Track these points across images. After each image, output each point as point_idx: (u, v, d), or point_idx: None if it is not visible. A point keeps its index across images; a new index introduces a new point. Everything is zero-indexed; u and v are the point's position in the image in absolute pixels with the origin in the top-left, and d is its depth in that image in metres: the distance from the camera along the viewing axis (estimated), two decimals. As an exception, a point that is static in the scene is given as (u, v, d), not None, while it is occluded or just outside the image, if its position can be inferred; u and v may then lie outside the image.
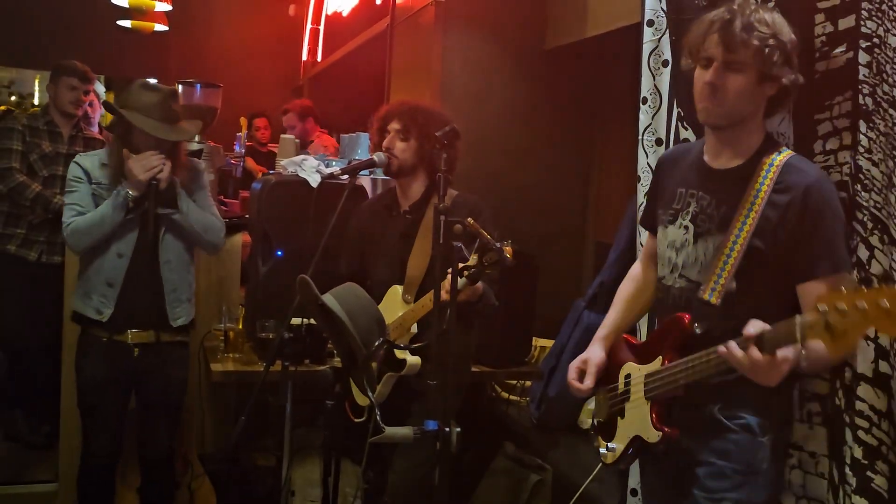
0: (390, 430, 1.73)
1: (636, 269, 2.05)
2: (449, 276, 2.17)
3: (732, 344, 1.49)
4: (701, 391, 1.68)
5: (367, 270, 2.60)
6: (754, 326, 1.47)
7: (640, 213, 2.33)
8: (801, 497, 1.78)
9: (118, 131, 2.55)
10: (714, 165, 1.75)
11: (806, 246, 1.59)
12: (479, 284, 1.83)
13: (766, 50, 1.58)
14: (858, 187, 1.64)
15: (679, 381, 1.66)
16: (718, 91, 1.63)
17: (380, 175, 3.35)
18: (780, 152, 1.66)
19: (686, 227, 1.76)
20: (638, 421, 1.76)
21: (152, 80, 2.66)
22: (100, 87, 6.25)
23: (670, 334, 1.74)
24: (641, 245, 2.32)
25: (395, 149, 2.46)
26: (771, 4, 1.89)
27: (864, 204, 1.63)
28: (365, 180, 3.34)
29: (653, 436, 1.71)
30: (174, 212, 2.53)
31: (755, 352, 1.44)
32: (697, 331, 1.67)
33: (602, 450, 1.86)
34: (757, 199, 1.62)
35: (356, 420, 2.40)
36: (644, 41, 2.31)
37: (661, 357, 1.74)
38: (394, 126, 2.48)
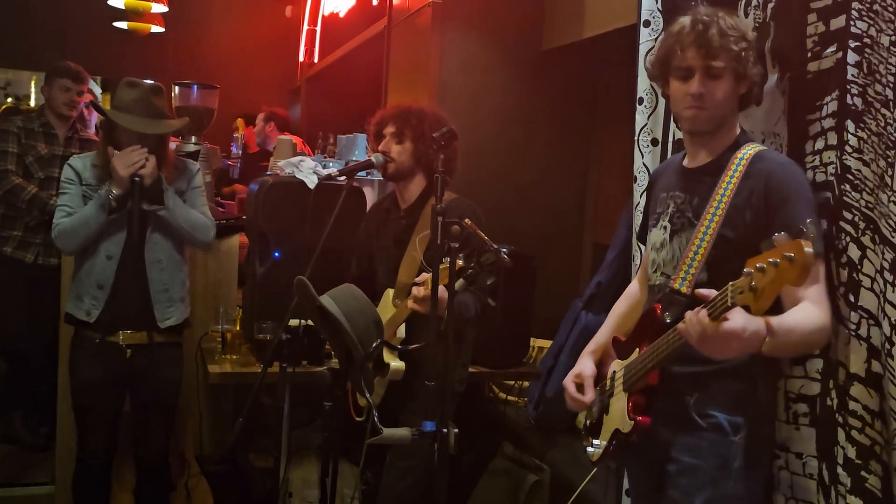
0: (388, 432, 1.73)
1: (632, 287, 2.08)
2: (418, 281, 2.19)
3: (688, 314, 1.48)
4: (677, 384, 1.70)
5: (373, 270, 2.61)
6: (706, 292, 1.46)
7: (635, 218, 2.34)
8: (790, 498, 1.79)
9: (105, 130, 2.56)
10: (690, 166, 1.80)
11: (770, 227, 1.59)
12: (443, 294, 1.82)
13: (743, 53, 1.64)
14: (847, 187, 1.64)
15: (648, 365, 1.68)
16: (705, 99, 1.67)
17: (377, 176, 3.35)
18: (752, 147, 1.70)
19: (665, 227, 1.80)
20: (618, 414, 1.78)
21: (146, 80, 2.66)
22: (96, 89, 6.24)
23: (646, 325, 1.76)
24: (638, 246, 2.33)
25: (390, 152, 2.46)
26: (772, 5, 1.89)
27: (855, 204, 1.63)
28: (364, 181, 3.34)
29: (626, 425, 1.72)
30: (159, 208, 2.52)
31: (703, 316, 1.42)
32: (667, 319, 1.68)
33: (589, 448, 1.88)
34: (727, 191, 1.65)
35: (358, 419, 2.41)
36: (640, 42, 2.31)
37: (637, 349, 1.76)
38: (389, 130, 2.48)
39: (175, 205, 2.55)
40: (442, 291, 1.81)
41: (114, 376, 2.58)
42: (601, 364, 1.96)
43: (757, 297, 1.31)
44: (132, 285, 2.54)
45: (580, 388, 1.93)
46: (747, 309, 1.36)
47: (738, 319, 1.40)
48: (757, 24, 1.93)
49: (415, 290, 2.21)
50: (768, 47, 1.88)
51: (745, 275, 1.33)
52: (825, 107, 1.72)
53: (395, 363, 2.32)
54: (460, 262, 1.93)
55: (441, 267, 1.84)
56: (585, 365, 1.96)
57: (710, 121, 1.71)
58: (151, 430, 2.72)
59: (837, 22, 1.68)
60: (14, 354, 3.80)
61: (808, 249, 1.25)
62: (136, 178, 2.42)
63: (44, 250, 3.62)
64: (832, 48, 1.69)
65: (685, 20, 1.69)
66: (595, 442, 1.86)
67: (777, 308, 1.57)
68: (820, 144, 1.73)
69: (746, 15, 1.97)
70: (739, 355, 1.48)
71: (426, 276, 2.18)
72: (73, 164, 2.58)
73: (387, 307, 2.45)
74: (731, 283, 1.38)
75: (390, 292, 2.47)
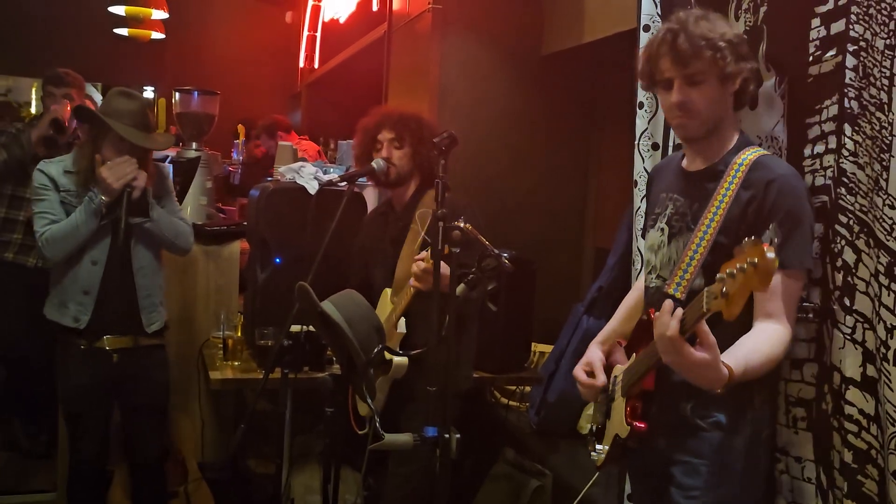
0: (390, 437, 1.72)
1: (642, 281, 2.07)
2: (418, 258, 2.19)
3: (664, 310, 1.48)
4: (673, 392, 1.69)
5: (370, 277, 2.61)
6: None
7: (636, 222, 2.34)
8: (791, 502, 1.79)
9: (90, 137, 2.53)
10: (690, 168, 1.79)
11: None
12: (444, 270, 1.77)
13: (718, 54, 1.61)
14: (843, 191, 1.64)
15: (641, 369, 1.68)
16: (688, 107, 1.67)
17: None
18: (752, 151, 1.68)
19: (662, 229, 1.79)
20: (618, 419, 1.78)
21: (148, 89, 2.67)
22: (97, 95, 6.25)
23: (641, 330, 1.76)
24: (639, 251, 2.33)
25: (392, 158, 2.46)
26: (764, 9, 1.90)
27: (850, 207, 1.63)
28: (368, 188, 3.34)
29: (624, 431, 1.73)
30: (146, 220, 2.52)
31: (674, 322, 1.44)
32: None
33: (593, 453, 1.88)
34: (725, 197, 1.64)
35: (360, 432, 2.39)
36: (640, 46, 2.31)
37: (634, 353, 1.77)
38: (386, 135, 2.47)
39: (160, 216, 2.56)
40: (443, 268, 1.79)
41: (101, 381, 2.58)
42: (610, 355, 1.94)
43: (728, 302, 1.32)
44: (118, 291, 2.55)
45: (591, 375, 1.91)
46: (720, 315, 1.36)
47: (701, 354, 1.43)
48: (748, 28, 1.94)
49: (415, 266, 2.20)
50: (762, 51, 1.89)
51: (718, 280, 1.33)
52: (825, 110, 1.72)
53: (398, 358, 2.30)
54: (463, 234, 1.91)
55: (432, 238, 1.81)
56: (594, 353, 1.94)
57: (699, 128, 1.70)
58: (145, 434, 2.72)
59: (837, 26, 1.69)
60: (14, 361, 3.80)
61: (770, 255, 1.25)
62: (127, 190, 2.42)
63: (45, 253, 3.61)
64: (832, 52, 1.70)
65: (660, 30, 1.69)
66: (598, 447, 1.86)
67: (747, 317, 1.58)
68: (820, 148, 1.73)
69: (737, 18, 1.97)
70: (693, 382, 1.51)
71: (426, 253, 2.17)
72: (45, 169, 2.52)
73: (385, 306, 2.46)
74: (706, 287, 1.38)
75: (388, 291, 2.48)
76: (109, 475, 2.88)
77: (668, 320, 1.45)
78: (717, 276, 1.33)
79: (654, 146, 2.32)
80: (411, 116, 2.50)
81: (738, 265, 1.29)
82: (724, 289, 1.31)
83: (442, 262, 1.79)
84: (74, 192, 2.50)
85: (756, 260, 1.26)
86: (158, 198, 2.61)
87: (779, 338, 1.57)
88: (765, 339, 1.57)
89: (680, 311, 1.45)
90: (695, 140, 1.74)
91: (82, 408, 2.61)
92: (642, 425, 1.70)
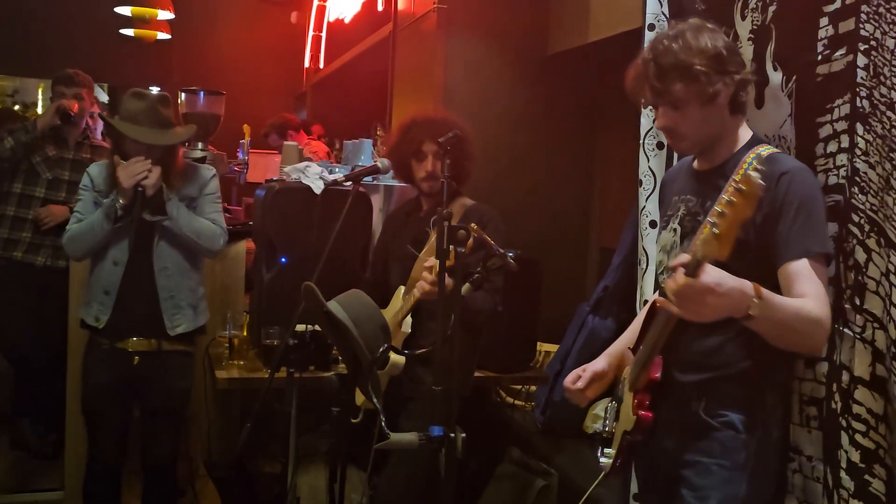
0: (396, 437, 1.72)
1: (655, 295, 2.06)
2: (428, 265, 2.19)
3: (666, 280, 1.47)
4: (683, 393, 1.69)
5: (388, 273, 2.62)
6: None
7: (640, 222, 2.34)
8: (803, 501, 1.79)
9: (112, 140, 2.62)
10: (701, 168, 1.79)
11: (779, 231, 1.58)
12: (450, 281, 1.79)
13: (691, 83, 1.60)
14: (855, 190, 1.64)
15: (644, 357, 1.68)
16: (674, 130, 1.68)
17: (383, 181, 3.36)
18: (764, 149, 1.67)
19: (675, 230, 1.79)
20: (625, 417, 1.77)
21: (154, 89, 2.70)
22: (103, 96, 6.27)
23: (648, 322, 1.75)
24: (644, 250, 2.33)
25: (436, 171, 2.45)
26: (773, 8, 1.89)
27: (861, 206, 1.63)
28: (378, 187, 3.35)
29: (630, 423, 1.71)
30: (163, 218, 2.53)
31: (680, 275, 1.41)
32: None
33: (602, 458, 1.86)
34: None
35: (352, 421, 2.40)
36: (645, 46, 2.31)
37: (641, 347, 1.76)
38: (431, 147, 2.46)
39: (179, 214, 2.56)
40: (449, 280, 1.80)
41: (121, 382, 2.60)
42: (619, 368, 1.93)
43: (720, 242, 1.30)
44: (138, 292, 2.57)
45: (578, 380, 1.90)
46: (717, 264, 1.36)
47: (712, 273, 1.38)
48: (755, 27, 1.93)
49: (424, 274, 2.21)
50: (771, 50, 1.88)
51: (709, 224, 1.32)
52: (836, 110, 1.71)
53: (395, 356, 2.31)
54: (473, 240, 1.91)
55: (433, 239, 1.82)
56: (595, 362, 1.93)
57: (690, 147, 1.72)
58: (158, 437, 2.73)
59: (846, 25, 1.68)
60: (22, 361, 3.81)
61: (756, 176, 1.25)
62: (140, 189, 2.45)
63: (53, 252, 3.62)
64: (842, 51, 1.69)
65: (638, 58, 1.69)
66: (607, 450, 1.85)
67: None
68: (833, 147, 1.73)
69: (743, 18, 1.97)
70: (724, 314, 1.45)
71: (434, 261, 2.17)
72: (90, 170, 2.65)
73: (396, 303, 2.47)
74: (697, 238, 1.37)
75: (402, 288, 2.49)
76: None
77: (672, 284, 1.43)
78: (708, 219, 1.32)
79: (660, 145, 2.32)
80: (452, 126, 2.50)
81: (725, 199, 1.29)
82: (717, 230, 1.29)
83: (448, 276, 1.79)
84: (104, 194, 2.57)
85: (743, 186, 1.26)
86: (192, 198, 2.63)
87: (813, 305, 1.51)
88: (794, 298, 1.53)
89: (680, 271, 1.42)
90: (695, 153, 1.75)
91: (99, 407, 2.63)
92: (648, 415, 1.69)
